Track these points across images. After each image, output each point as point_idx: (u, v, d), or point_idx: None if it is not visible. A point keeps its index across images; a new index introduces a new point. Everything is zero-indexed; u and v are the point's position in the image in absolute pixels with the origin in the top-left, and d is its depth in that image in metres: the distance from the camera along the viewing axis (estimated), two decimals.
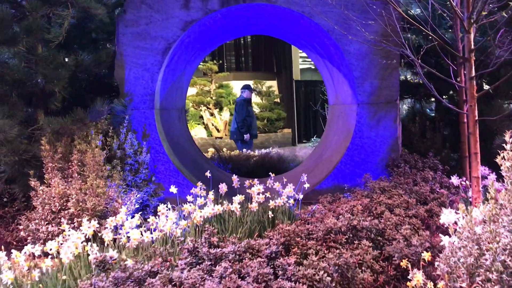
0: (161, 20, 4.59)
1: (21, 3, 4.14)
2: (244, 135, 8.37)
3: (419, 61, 4.01)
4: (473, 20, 3.57)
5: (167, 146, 4.78)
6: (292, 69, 17.32)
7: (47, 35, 4.11)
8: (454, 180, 4.04)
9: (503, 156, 2.46)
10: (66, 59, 4.43)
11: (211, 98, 16.45)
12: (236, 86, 17.25)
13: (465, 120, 4.57)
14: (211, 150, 9.07)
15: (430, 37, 3.98)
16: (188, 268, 2.54)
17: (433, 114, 5.89)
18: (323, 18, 4.48)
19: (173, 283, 2.37)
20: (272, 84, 17.83)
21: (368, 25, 4.31)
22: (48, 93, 4.29)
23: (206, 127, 15.90)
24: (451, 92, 5.84)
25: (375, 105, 4.68)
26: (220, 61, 17.09)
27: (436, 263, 2.44)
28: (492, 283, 2.22)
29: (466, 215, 2.45)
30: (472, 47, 3.60)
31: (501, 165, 2.46)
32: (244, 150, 8.18)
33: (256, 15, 4.95)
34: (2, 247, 3.08)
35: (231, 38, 6.03)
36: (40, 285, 2.68)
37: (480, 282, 2.28)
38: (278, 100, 17.31)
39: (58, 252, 2.91)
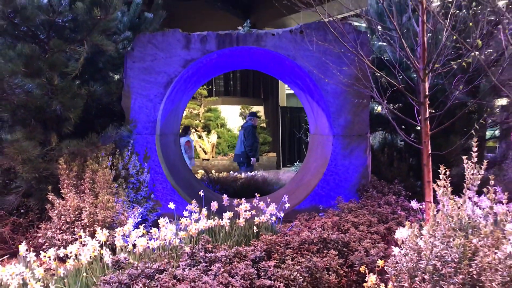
0: (165, 58, 5.26)
1: (46, 41, 4.77)
2: (252, 158, 9.17)
3: (385, 101, 4.73)
4: (427, 71, 4.32)
5: (165, 167, 5.40)
6: (279, 95, 18.12)
7: (65, 69, 4.73)
8: (414, 204, 4.72)
9: (437, 184, 3.16)
10: (81, 89, 5.04)
11: (200, 121, 17.10)
12: (224, 110, 17.98)
13: None
14: (201, 171, 9.67)
15: (398, 79, 4.72)
16: (188, 268, 3.15)
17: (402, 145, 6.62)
18: (304, 62, 5.21)
19: (176, 278, 2.97)
20: (259, 110, 18.57)
21: (343, 70, 5.04)
22: (63, 118, 4.90)
23: (194, 150, 16.48)
24: (418, 127, 6.59)
25: (348, 137, 5.39)
26: (210, 86, 17.82)
27: (386, 267, 3.09)
28: (426, 282, 2.87)
29: (411, 231, 3.11)
30: (427, 93, 4.34)
31: (436, 191, 3.15)
32: (243, 173, 8.92)
33: (247, 55, 5.66)
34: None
35: (224, 72, 6.72)
36: (65, 280, 3.26)
37: (418, 282, 2.93)
38: (264, 125, 18.03)
39: (75, 256, 3.49)
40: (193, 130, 16.60)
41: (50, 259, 3.34)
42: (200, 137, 16.75)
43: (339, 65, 5.11)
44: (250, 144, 9.10)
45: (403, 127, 6.33)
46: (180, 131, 9.97)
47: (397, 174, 5.68)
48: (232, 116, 18.24)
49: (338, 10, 5.22)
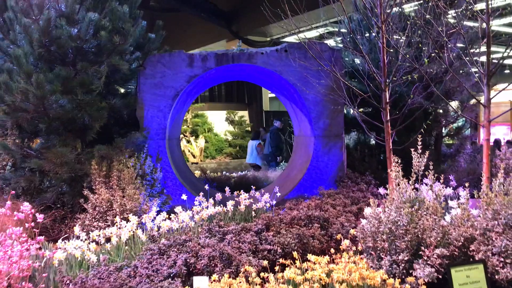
0: (172, 75, 6.27)
1: (73, 64, 5.71)
2: (277, 157, 10.45)
3: (356, 107, 5.82)
4: (387, 83, 5.42)
5: (173, 167, 6.39)
6: (262, 100, 19.17)
7: (91, 86, 5.69)
8: (381, 190, 5.81)
9: (391, 170, 4.25)
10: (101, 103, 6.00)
11: (188, 126, 18.02)
12: (211, 116, 18.95)
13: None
14: (197, 172, 10.65)
15: (367, 87, 5.80)
16: (208, 238, 4.16)
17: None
18: (289, 76, 6.28)
19: (200, 245, 3.97)
20: (244, 114, 19.57)
21: (321, 82, 6.12)
22: (88, 127, 5.85)
23: (183, 154, 17.39)
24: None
25: (326, 138, 6.47)
26: None
27: (356, 233, 4.16)
28: (384, 241, 3.93)
29: (374, 206, 4.18)
30: (387, 100, 5.44)
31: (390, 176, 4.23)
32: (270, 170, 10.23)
33: (241, 70, 6.70)
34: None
35: (220, 83, 7.74)
36: (112, 252, 4.23)
37: (378, 241, 3.99)
38: (249, 128, 19.04)
39: (109, 239, 4.45)
40: (181, 136, 17.51)
41: (99, 237, 4.32)
42: (188, 142, 17.67)
43: (318, 78, 6.19)
44: (275, 145, 10.47)
45: (374, 128, 7.44)
46: (252, 135, 12.04)
47: (368, 168, 6.77)
48: (218, 121, 19.18)
49: (315, 19, 6.24)
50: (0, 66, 5.59)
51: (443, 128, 7.29)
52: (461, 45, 6.26)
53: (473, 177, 6.45)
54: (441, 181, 4.37)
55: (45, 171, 5.56)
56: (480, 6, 6.56)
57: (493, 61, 4.80)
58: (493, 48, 4.89)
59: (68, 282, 3.33)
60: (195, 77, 6.28)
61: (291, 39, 16.25)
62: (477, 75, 4.78)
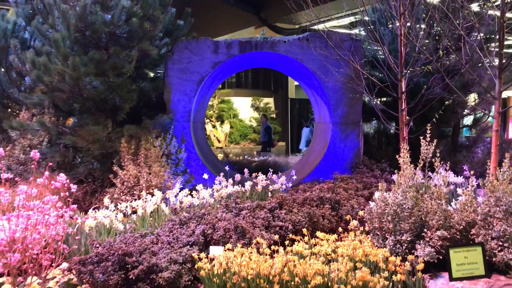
0: (198, 61, 6.59)
1: (106, 48, 6.09)
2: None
3: (374, 97, 6.02)
4: (404, 73, 5.59)
5: (197, 148, 6.75)
6: (288, 88, 19.35)
7: (122, 69, 6.07)
8: (394, 177, 6.02)
9: (399, 156, 4.47)
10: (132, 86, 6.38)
11: (214, 112, 18.43)
12: (236, 102, 19.28)
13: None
14: (220, 155, 11.03)
15: (386, 77, 5.97)
16: (225, 213, 4.50)
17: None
18: (310, 64, 6.51)
19: (217, 218, 4.31)
20: (269, 101, 19.82)
21: (340, 71, 6.34)
22: (119, 108, 6.25)
23: (208, 138, 17.82)
24: None
25: (344, 125, 6.70)
26: None
27: (364, 214, 4.42)
28: (390, 222, 4.18)
29: (382, 190, 4.42)
30: (403, 90, 5.62)
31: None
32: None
33: (263, 57, 6.97)
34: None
35: (243, 69, 8.03)
36: (137, 222, 4.63)
37: (384, 222, 4.24)
38: (274, 115, 19.29)
39: (135, 211, 4.83)
40: (207, 120, 17.93)
41: (126, 208, 4.72)
42: (214, 127, 18.08)
43: (337, 67, 6.40)
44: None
45: (393, 117, 7.60)
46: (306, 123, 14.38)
47: (384, 155, 6.96)
48: (244, 107, 19.50)
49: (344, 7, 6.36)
50: (39, 49, 6.02)
51: (461, 119, 7.40)
52: (483, 36, 6.34)
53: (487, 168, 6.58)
54: (446, 169, 4.59)
55: (78, 147, 6.00)
56: None
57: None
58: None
59: (97, 245, 3.72)
60: (220, 63, 6.59)
61: (321, 27, 16.34)
62: (490, 68, 4.91)
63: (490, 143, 7.73)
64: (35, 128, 5.93)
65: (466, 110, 7.23)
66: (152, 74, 7.62)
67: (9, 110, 7.35)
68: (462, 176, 5.78)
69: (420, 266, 3.71)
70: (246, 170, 6.14)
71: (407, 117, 5.74)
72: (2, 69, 7.07)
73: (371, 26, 7.17)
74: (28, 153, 6.44)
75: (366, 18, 7.54)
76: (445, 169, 6.19)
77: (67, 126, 6.45)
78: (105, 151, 5.83)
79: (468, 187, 4.93)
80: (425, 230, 4.06)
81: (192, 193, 5.30)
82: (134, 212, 4.87)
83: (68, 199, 4.12)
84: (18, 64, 6.24)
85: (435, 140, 6.60)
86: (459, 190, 4.97)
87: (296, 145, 19.45)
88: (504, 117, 21.26)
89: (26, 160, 6.25)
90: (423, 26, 6.14)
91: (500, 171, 4.26)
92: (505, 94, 20.51)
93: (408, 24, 5.62)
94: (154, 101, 7.05)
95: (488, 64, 5.02)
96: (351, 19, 9.15)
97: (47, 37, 6.08)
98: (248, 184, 5.69)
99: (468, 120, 8.18)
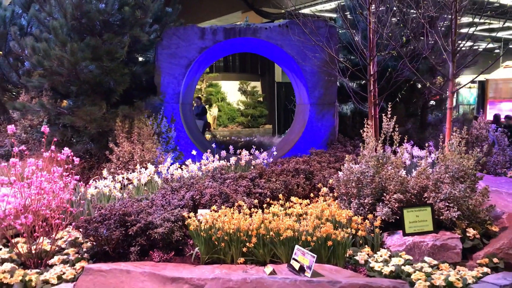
0: (186, 46, 7.11)
1: (100, 35, 6.59)
2: None
3: (347, 79, 6.62)
4: (372, 57, 6.19)
5: (186, 127, 7.31)
6: (275, 72, 19.87)
7: (116, 54, 6.58)
8: (365, 151, 6.67)
9: (363, 130, 5.10)
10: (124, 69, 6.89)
11: (202, 95, 18.91)
12: (224, 86, 19.78)
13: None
14: (208, 136, 11.60)
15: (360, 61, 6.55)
16: (211, 182, 5.10)
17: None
18: (289, 49, 7.08)
19: (205, 186, 4.91)
20: (256, 85, 20.34)
21: (316, 56, 6.92)
22: (112, 90, 6.77)
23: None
24: None
25: (321, 105, 7.30)
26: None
27: (331, 181, 5.05)
28: (354, 188, 4.81)
29: (349, 160, 5.05)
30: (371, 73, 6.22)
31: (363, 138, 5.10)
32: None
33: (247, 43, 7.51)
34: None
35: (228, 54, 8.56)
36: (133, 191, 5.21)
37: (349, 188, 4.87)
38: (261, 99, 19.83)
39: (131, 183, 5.41)
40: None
41: (123, 178, 5.30)
42: None
43: (314, 52, 6.98)
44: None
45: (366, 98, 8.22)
46: None
47: (357, 133, 7.58)
48: (232, 90, 20.00)
49: None
50: (38, 35, 6.50)
51: (428, 100, 8.05)
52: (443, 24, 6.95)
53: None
54: (413, 144, 5.21)
55: (76, 126, 6.54)
56: None
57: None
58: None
59: (100, 208, 4.30)
60: (206, 48, 7.12)
61: (307, 11, 16.78)
62: (446, 53, 5.52)
63: (457, 121, 8.44)
64: (35, 109, 6.44)
65: (433, 91, 7.87)
66: (142, 59, 8.14)
67: (8, 92, 7.84)
68: (424, 150, 6.44)
69: (377, 222, 4.37)
70: (231, 147, 6.73)
71: (376, 97, 6.35)
72: (1, 54, 7.54)
73: (347, 12, 7.77)
74: (29, 132, 6.97)
75: (342, 3, 8.12)
76: (412, 145, 6.89)
77: (64, 107, 6.96)
78: (101, 130, 6.38)
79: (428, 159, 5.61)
80: (385, 194, 4.70)
81: (182, 167, 5.89)
82: (130, 183, 5.46)
83: (71, 170, 4.68)
84: (18, 50, 6.72)
85: (404, 118, 7.26)
86: (420, 162, 5.62)
87: (283, 128, 20.09)
88: (483, 99, 22.05)
89: (27, 139, 6.77)
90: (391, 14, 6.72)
91: (451, 144, 4.91)
92: (482, 77, 21.27)
93: (380, 10, 6.18)
94: (144, 84, 7.57)
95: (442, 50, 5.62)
96: (337, 2, 9.68)
97: (45, 24, 6.56)
98: (233, 159, 6.28)
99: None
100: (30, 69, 6.92)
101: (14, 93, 7.92)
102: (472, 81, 6.14)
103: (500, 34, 22.97)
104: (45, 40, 6.24)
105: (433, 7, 5.57)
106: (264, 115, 19.36)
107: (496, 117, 14.26)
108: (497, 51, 24.72)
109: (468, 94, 24.60)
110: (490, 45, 26.05)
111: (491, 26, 5.40)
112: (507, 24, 19.29)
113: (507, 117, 14.01)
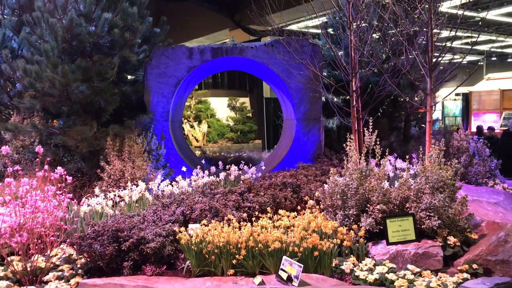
0: (174, 66, 7.32)
1: (90, 56, 6.76)
2: None
3: (330, 95, 6.85)
4: (354, 74, 6.44)
5: (175, 144, 7.48)
6: (263, 88, 20.14)
7: (106, 75, 6.75)
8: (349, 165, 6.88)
9: (346, 145, 5.31)
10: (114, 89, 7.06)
11: (191, 112, 19.09)
12: (213, 102, 19.99)
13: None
14: (198, 152, 11.76)
15: (343, 77, 6.80)
16: (201, 197, 5.25)
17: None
18: (275, 67, 7.32)
19: (195, 202, 5.06)
20: (245, 101, 20.57)
21: (301, 73, 7.16)
22: (102, 110, 6.93)
23: (187, 138, 18.45)
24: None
25: (307, 121, 7.52)
26: None
27: (317, 194, 5.23)
28: (339, 200, 5.00)
29: (333, 174, 5.25)
30: (354, 88, 6.46)
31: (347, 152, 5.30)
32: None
33: (233, 61, 7.74)
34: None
35: (216, 72, 8.78)
36: (125, 208, 5.34)
37: (334, 200, 5.06)
38: (250, 114, 20.05)
39: (122, 200, 5.54)
40: (185, 121, 18.59)
41: (115, 196, 5.43)
42: (192, 126, 18.75)
43: (299, 70, 7.22)
44: None
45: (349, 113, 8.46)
46: None
47: (343, 147, 7.78)
48: (221, 107, 20.21)
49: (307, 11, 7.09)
50: (29, 58, 6.65)
51: (410, 114, 8.31)
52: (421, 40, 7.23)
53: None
54: (396, 157, 5.41)
55: (68, 146, 6.66)
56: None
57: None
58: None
59: (93, 224, 4.43)
60: (194, 67, 7.33)
61: (294, 27, 17.12)
62: (424, 69, 5.77)
63: (439, 133, 8.71)
64: (27, 129, 6.57)
65: (414, 106, 8.14)
66: (132, 77, 8.32)
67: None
68: (406, 162, 6.65)
69: (362, 233, 4.55)
70: (220, 163, 6.89)
71: (359, 112, 6.58)
72: None
73: (330, 30, 8.04)
74: (21, 153, 7.08)
75: (325, 21, 8.38)
76: (396, 157, 7.11)
77: (55, 127, 7.10)
78: (93, 149, 6.51)
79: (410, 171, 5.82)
80: (368, 205, 4.89)
81: (172, 184, 6.04)
82: (122, 200, 5.59)
83: (64, 189, 4.81)
84: (9, 72, 6.86)
85: (388, 132, 7.49)
86: (402, 174, 5.84)
87: (273, 142, 20.30)
88: (467, 111, 22.50)
89: (19, 159, 6.88)
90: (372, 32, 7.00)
91: (431, 156, 5.14)
92: (465, 90, 21.74)
93: (361, 28, 6.44)
94: (134, 103, 7.73)
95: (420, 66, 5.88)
96: (323, 19, 10.03)
97: (36, 47, 6.73)
98: (222, 175, 6.44)
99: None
100: (21, 90, 7.06)
101: (5, 115, 8.03)
102: (449, 95, 6.38)
103: (483, 47, 23.60)
104: (37, 62, 6.41)
105: (411, 25, 5.85)
106: (253, 131, 19.57)
107: (479, 128, 14.60)
108: (481, 63, 25.34)
109: (453, 106, 25.12)
110: (474, 58, 26.74)
111: (473, 39, 5.65)
112: (488, 37, 19.86)
113: (489, 128, 14.36)
